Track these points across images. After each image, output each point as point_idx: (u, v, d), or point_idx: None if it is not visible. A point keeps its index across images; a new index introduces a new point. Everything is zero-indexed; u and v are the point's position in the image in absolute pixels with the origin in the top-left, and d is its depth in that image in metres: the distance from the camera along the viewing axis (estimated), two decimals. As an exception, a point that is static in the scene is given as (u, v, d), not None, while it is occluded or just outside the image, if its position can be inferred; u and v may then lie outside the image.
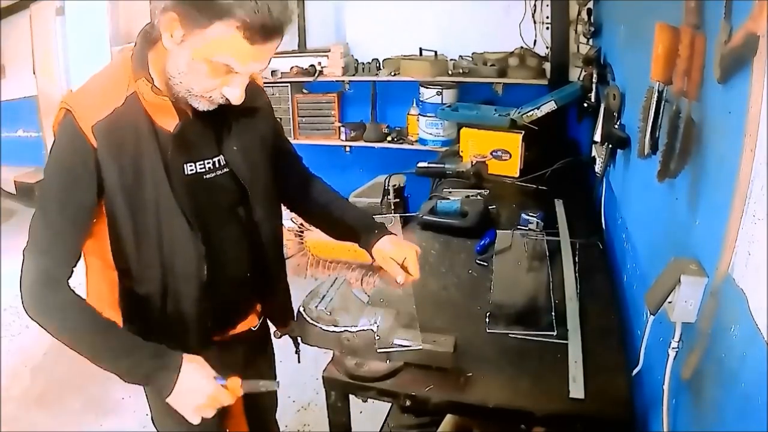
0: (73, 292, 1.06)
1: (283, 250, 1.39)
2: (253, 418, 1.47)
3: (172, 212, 1.07)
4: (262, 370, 1.46)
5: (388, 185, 3.43)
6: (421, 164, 2.60)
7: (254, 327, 1.36)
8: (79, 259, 1.09)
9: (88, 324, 1.05)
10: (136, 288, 1.13)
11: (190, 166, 1.12)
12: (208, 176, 1.14)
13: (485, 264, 1.72)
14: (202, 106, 1.06)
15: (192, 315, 1.15)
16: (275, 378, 1.52)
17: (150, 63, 1.06)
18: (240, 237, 1.23)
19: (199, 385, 1.05)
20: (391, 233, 1.33)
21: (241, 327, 1.32)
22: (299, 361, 1.41)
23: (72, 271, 1.07)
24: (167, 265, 1.11)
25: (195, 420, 1.06)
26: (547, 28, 3.33)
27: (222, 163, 1.16)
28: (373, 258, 1.33)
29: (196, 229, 1.11)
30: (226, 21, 0.92)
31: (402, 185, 3.56)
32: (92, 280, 1.16)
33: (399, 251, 1.29)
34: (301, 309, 1.24)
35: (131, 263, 1.10)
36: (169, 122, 1.05)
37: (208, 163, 1.14)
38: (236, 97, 1.04)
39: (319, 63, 3.87)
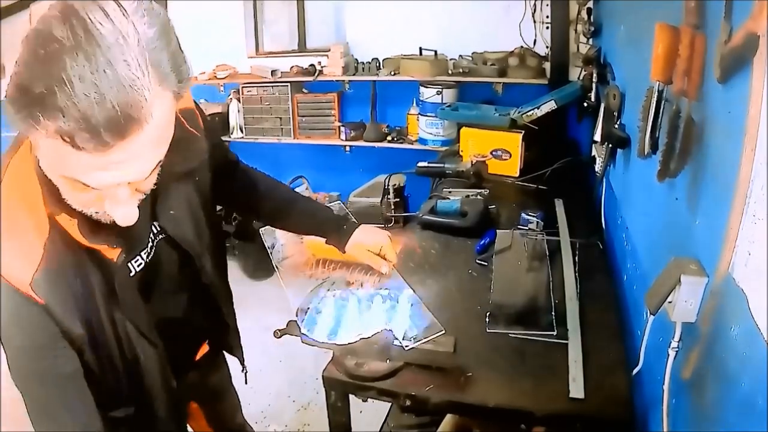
0: None
1: (231, 292, 1.30)
2: (218, 425, 1.45)
3: (132, 337, 0.94)
4: (218, 381, 1.44)
5: (388, 185, 3.44)
6: (421, 164, 2.60)
7: (205, 352, 1.31)
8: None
9: None
10: (108, 412, 0.97)
11: (137, 261, 0.95)
12: (150, 257, 0.98)
13: (485, 264, 1.72)
14: (107, 220, 0.80)
15: (162, 412, 1.05)
16: (232, 385, 1.49)
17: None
18: (192, 301, 1.13)
19: None
20: (359, 224, 1.28)
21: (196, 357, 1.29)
22: (246, 382, 1.37)
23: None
24: (136, 385, 0.99)
25: None
26: (547, 27, 3.33)
27: (158, 230, 0.99)
28: (344, 253, 1.29)
29: (160, 345, 0.99)
30: (37, 125, 0.62)
31: (402, 185, 3.57)
32: None
33: (374, 242, 1.25)
34: (301, 309, 1.24)
35: (100, 394, 0.93)
36: (111, 253, 0.86)
37: (150, 243, 0.98)
38: (121, 217, 0.76)
39: (319, 63, 3.87)
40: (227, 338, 1.30)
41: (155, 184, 0.83)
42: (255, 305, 2.34)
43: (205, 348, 1.31)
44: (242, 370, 1.39)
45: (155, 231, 0.99)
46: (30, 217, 0.80)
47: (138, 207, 0.80)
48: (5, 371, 0.85)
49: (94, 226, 0.82)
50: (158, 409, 1.05)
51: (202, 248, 1.08)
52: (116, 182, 0.71)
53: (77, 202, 0.77)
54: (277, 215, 1.33)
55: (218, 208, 1.38)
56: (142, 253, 0.97)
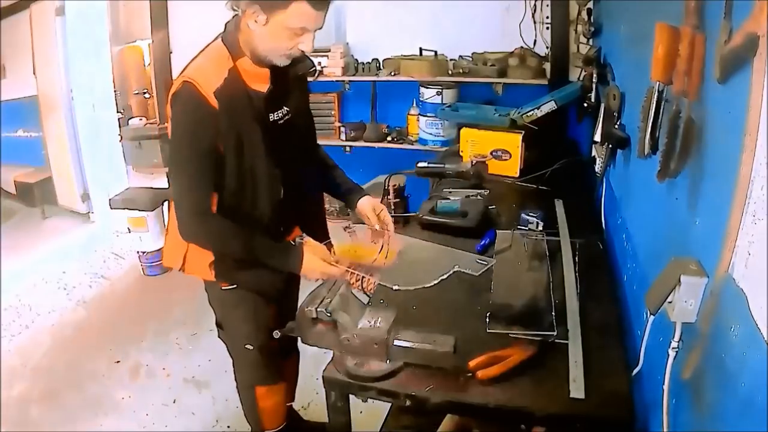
0: (219, 217, 1.44)
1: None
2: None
3: (260, 154, 1.46)
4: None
5: (388, 185, 3.43)
6: (421, 164, 2.60)
7: (300, 237, 1.66)
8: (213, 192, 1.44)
9: (234, 239, 1.47)
10: (235, 202, 1.48)
11: (272, 115, 1.49)
12: (280, 121, 1.52)
13: (485, 264, 1.71)
14: (282, 62, 1.43)
15: (268, 217, 1.52)
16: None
17: (240, 44, 1.41)
18: (298, 164, 1.60)
19: (314, 265, 1.48)
20: (368, 194, 1.74)
21: (291, 237, 1.66)
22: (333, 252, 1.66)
23: (211, 202, 1.44)
24: (256, 188, 1.49)
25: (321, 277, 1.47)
26: (547, 28, 3.33)
27: (286, 112, 1.54)
28: (354, 211, 1.74)
29: (273, 164, 1.49)
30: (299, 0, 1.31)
31: (402, 185, 3.56)
32: None
33: (376, 204, 1.72)
34: (302, 309, 1.24)
35: (230, 188, 1.46)
36: (262, 86, 1.44)
37: (280, 112, 1.51)
38: (310, 47, 1.41)
39: (319, 63, 3.86)
40: (315, 225, 1.72)
41: (288, 82, 1.52)
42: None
43: (297, 233, 1.67)
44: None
45: (284, 112, 1.53)
46: (218, 65, 1.40)
47: (280, 90, 1.49)
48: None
49: (258, 68, 1.43)
50: (263, 217, 1.52)
51: (307, 131, 1.66)
52: (318, 27, 1.41)
53: (285, 48, 1.39)
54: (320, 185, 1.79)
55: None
56: (276, 113, 1.50)
